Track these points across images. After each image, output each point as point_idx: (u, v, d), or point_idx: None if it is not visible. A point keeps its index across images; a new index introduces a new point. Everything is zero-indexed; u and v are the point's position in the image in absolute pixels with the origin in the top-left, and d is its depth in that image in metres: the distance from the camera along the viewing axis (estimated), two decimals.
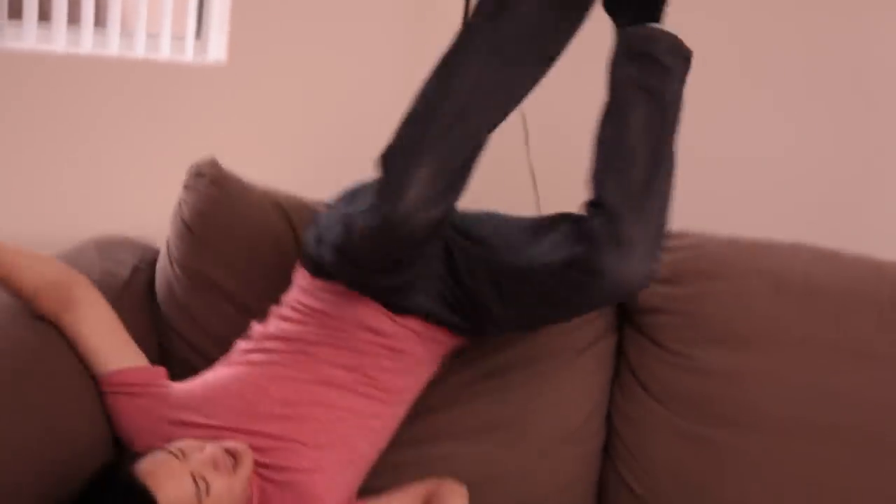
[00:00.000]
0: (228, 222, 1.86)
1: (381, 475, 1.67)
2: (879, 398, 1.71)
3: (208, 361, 1.71)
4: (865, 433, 1.69)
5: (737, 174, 2.91)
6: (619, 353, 1.86)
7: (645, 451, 1.78)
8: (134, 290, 1.84)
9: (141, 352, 1.64)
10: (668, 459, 1.76)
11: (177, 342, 1.84)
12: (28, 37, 2.35)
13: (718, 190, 2.92)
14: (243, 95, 2.65)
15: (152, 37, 2.58)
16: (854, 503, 1.70)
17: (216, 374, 1.62)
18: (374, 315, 1.61)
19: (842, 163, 2.75)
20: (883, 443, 1.69)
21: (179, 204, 1.88)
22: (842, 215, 2.74)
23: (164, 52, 2.59)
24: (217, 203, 1.86)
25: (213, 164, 1.90)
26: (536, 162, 2.99)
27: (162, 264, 1.89)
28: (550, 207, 2.04)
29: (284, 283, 1.74)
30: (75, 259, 1.85)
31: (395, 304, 1.61)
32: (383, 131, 1.52)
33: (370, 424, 1.61)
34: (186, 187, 1.89)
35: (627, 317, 1.85)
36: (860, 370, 1.71)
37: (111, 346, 1.60)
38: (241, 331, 1.72)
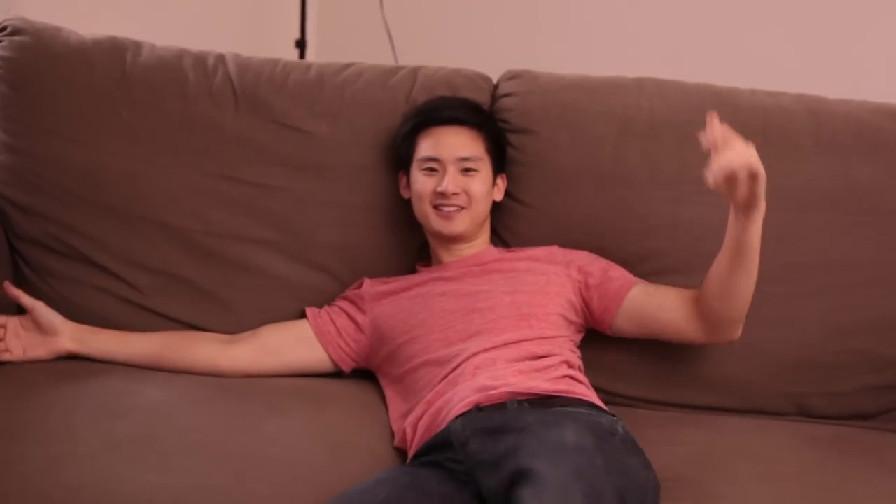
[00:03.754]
0: (49, 66, 1.77)
1: None
2: (721, 224, 1.78)
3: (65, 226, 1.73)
4: (711, 257, 1.75)
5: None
6: None
7: None
8: None
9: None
10: None
11: (21, 218, 1.77)
12: None
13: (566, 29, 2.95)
14: None
15: None
16: None
17: None
18: None
19: None
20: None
21: None
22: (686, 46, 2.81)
23: None
24: (30, 48, 1.77)
25: (21, 19, 1.81)
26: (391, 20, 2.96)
27: None
28: (408, 61, 2.05)
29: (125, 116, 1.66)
30: None
31: None
32: None
33: None
34: None
35: None
36: (702, 197, 1.73)
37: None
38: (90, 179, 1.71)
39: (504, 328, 1.64)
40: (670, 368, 1.80)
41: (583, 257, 1.77)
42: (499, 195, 1.81)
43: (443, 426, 1.49)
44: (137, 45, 1.85)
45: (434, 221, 1.73)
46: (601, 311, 1.71)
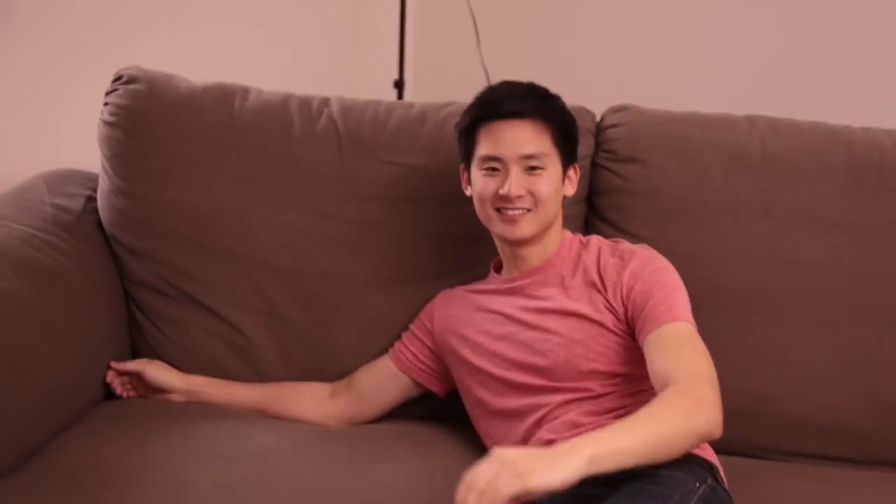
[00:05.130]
0: (160, 113, 1.81)
1: None
2: (838, 264, 1.72)
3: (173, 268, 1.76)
4: (827, 300, 1.71)
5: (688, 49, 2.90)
6: None
7: None
8: (88, 221, 1.82)
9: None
10: None
11: (135, 263, 1.81)
12: None
13: (671, 66, 2.91)
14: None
15: None
16: (819, 370, 1.72)
17: None
18: None
19: (792, 32, 2.73)
20: (843, 308, 1.71)
21: (102, 111, 1.83)
22: (794, 85, 2.74)
23: None
24: (143, 96, 1.81)
25: (135, 68, 1.85)
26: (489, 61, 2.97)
27: (102, 187, 1.84)
28: None
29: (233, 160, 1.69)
30: (23, 197, 1.82)
31: None
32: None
33: None
34: (108, 93, 1.84)
35: (588, 202, 1.83)
36: (818, 238, 1.72)
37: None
38: (198, 222, 1.76)
39: (564, 388, 1.53)
40: (777, 411, 1.73)
41: (639, 263, 1.55)
42: (570, 189, 1.64)
43: None
44: (245, 91, 1.88)
45: (497, 225, 1.59)
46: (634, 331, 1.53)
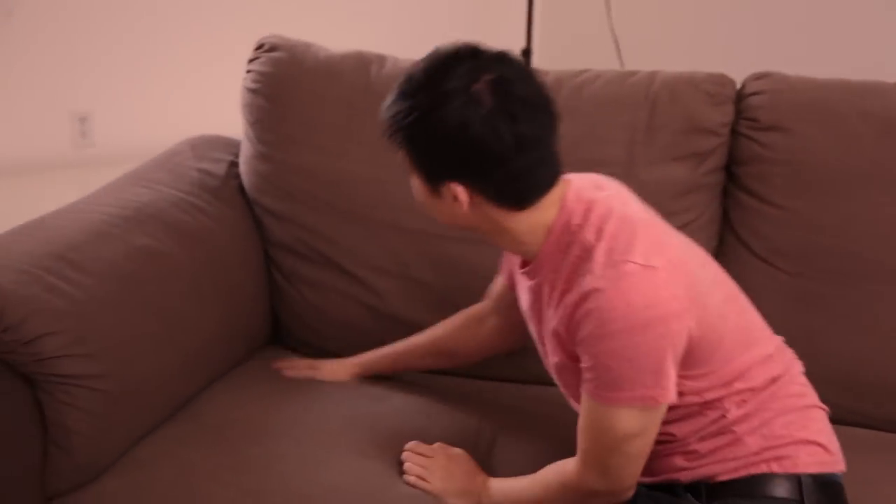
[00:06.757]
0: (300, 80, 1.84)
1: None
2: None
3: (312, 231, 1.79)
4: None
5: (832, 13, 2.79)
6: (724, 218, 1.80)
7: None
8: (232, 185, 1.87)
9: None
10: (775, 317, 1.73)
11: (275, 226, 1.85)
12: None
13: (815, 31, 2.80)
14: None
15: None
16: None
17: None
18: None
19: None
20: None
21: (245, 79, 1.87)
22: None
23: None
24: (284, 63, 1.85)
25: (277, 37, 1.89)
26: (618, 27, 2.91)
27: (245, 152, 1.88)
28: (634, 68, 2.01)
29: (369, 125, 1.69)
30: (171, 161, 1.88)
31: None
32: None
33: None
34: (251, 60, 1.88)
35: (727, 171, 1.79)
36: None
37: None
38: (336, 186, 1.76)
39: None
40: None
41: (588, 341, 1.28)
42: (459, 208, 1.32)
43: None
44: (381, 59, 1.90)
45: None
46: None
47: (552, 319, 1.34)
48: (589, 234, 1.30)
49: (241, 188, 1.88)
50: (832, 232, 1.68)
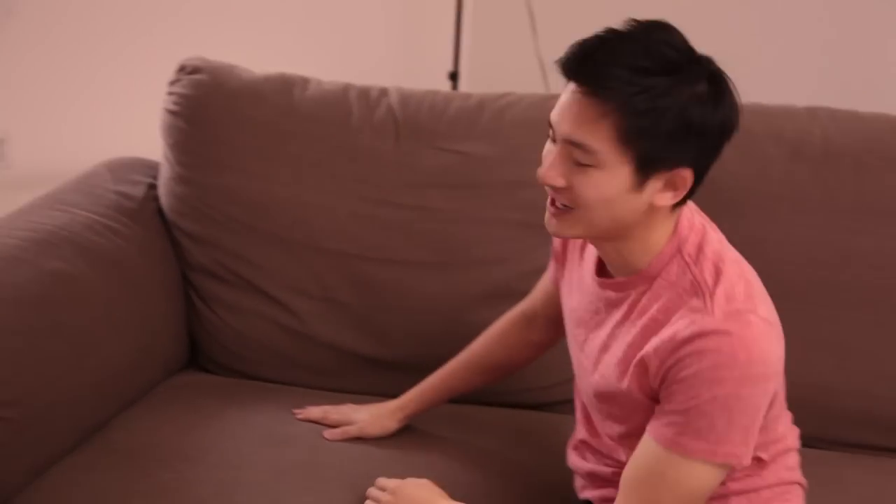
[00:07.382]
0: (222, 102, 1.83)
1: None
2: None
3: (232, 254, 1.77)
4: (888, 291, 1.68)
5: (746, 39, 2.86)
6: None
7: None
8: (149, 208, 1.85)
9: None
10: None
11: (194, 248, 1.83)
12: None
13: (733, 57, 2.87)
14: None
15: None
16: (882, 363, 1.70)
17: None
18: None
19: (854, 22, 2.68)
20: None
21: (166, 101, 1.86)
22: (854, 75, 2.69)
23: None
24: (206, 85, 1.83)
25: (199, 58, 1.88)
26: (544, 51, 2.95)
27: (164, 174, 1.87)
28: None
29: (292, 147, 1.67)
30: (88, 183, 1.86)
31: None
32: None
33: None
34: (172, 82, 1.87)
35: None
36: (880, 229, 1.69)
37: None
38: (257, 208, 1.75)
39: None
40: (837, 403, 1.71)
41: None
42: (663, 199, 1.20)
43: None
44: (305, 81, 1.90)
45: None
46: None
47: (623, 337, 1.24)
48: (707, 274, 1.21)
49: (160, 211, 1.86)
50: (745, 251, 1.71)
